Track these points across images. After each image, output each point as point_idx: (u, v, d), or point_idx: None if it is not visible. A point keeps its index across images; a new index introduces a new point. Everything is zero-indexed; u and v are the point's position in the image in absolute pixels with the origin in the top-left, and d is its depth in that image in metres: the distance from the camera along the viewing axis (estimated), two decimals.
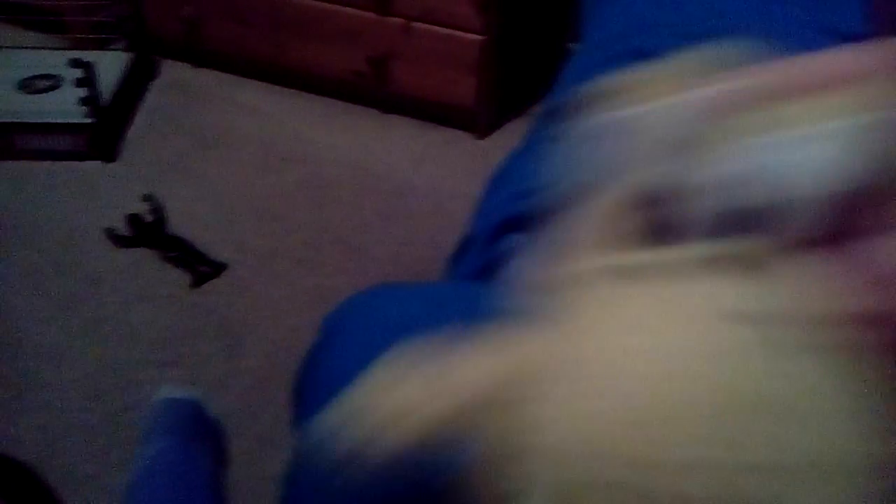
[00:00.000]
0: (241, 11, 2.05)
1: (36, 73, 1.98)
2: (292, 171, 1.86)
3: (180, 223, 1.68)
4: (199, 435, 1.03)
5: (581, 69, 0.76)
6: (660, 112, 0.26)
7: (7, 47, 2.09)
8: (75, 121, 1.83)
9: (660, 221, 0.25)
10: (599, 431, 0.21)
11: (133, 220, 1.63)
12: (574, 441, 0.21)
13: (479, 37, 1.87)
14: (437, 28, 1.89)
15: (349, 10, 1.94)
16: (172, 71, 2.21)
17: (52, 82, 1.95)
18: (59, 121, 1.83)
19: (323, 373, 0.48)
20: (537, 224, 0.58)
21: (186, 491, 0.94)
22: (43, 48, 2.11)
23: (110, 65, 2.00)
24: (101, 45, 2.13)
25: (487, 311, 0.45)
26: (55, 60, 2.01)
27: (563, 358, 0.24)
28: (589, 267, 0.26)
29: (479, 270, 0.57)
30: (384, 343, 0.47)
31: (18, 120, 1.82)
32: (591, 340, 0.24)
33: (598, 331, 0.24)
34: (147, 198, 1.69)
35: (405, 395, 0.25)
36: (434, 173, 1.90)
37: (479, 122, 2.03)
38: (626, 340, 0.23)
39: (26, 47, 2.10)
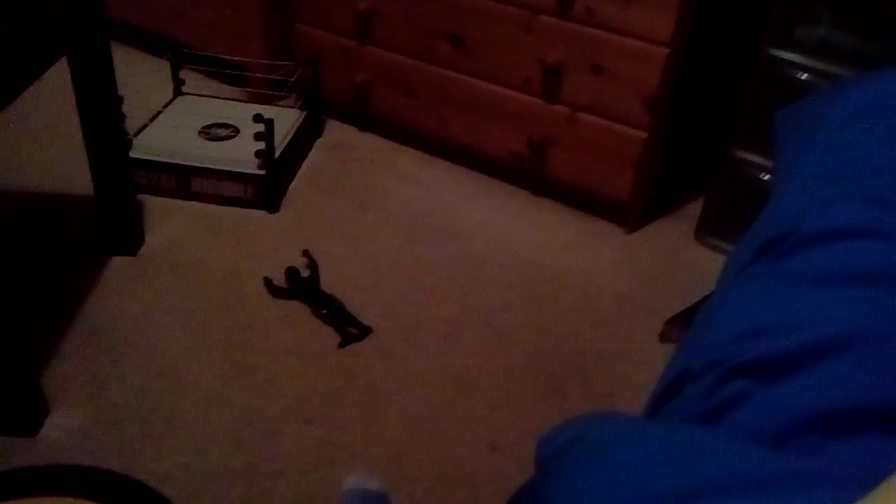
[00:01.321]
0: (411, 83, 2.14)
1: (216, 122, 2.11)
2: (443, 243, 1.90)
3: (332, 281, 1.73)
4: None
5: (804, 200, 0.74)
6: None
7: (192, 94, 2.25)
8: (247, 171, 1.93)
9: None
10: None
11: (290, 273, 1.70)
12: None
13: (642, 133, 1.87)
14: (601, 120, 1.91)
15: (516, 93, 1.99)
16: (338, 132, 2.31)
17: (230, 132, 2.08)
18: (232, 169, 1.94)
19: None
20: (768, 372, 0.56)
21: None
22: (224, 99, 2.25)
23: (283, 121, 2.12)
24: (277, 101, 2.27)
25: (747, 472, 0.44)
26: (235, 112, 2.15)
27: None
28: None
29: (701, 414, 0.55)
30: (624, 491, 0.46)
31: (197, 164, 1.94)
32: None
33: None
34: (304, 253, 1.76)
35: None
36: (580, 262, 1.89)
37: (629, 216, 2.02)
38: None
39: (209, 96, 2.26)
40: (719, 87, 2.18)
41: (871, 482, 0.41)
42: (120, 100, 1.67)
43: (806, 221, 0.72)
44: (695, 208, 2.09)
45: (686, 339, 0.68)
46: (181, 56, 2.22)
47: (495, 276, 1.82)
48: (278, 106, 2.24)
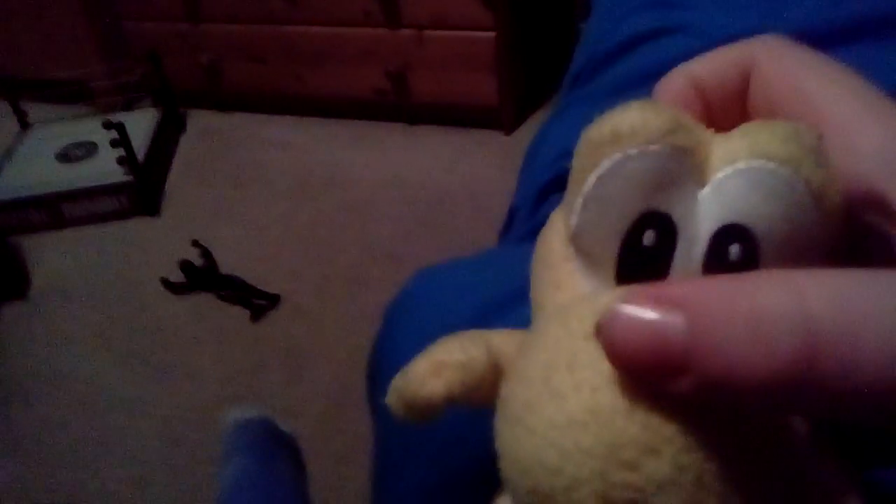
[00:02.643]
0: (256, 50, 2.09)
1: (71, 143, 2.04)
2: (330, 195, 1.88)
3: (231, 263, 1.70)
4: (277, 450, 1.05)
5: (601, 26, 0.76)
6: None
7: (39, 123, 2.15)
8: (115, 181, 1.87)
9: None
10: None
11: (185, 266, 1.66)
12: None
13: (490, 33, 1.87)
14: (448, 32, 1.90)
15: (360, 29, 1.96)
16: (200, 119, 2.25)
17: (87, 149, 2.01)
18: (100, 184, 1.88)
19: (387, 358, 0.48)
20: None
21: (274, 502, 0.96)
22: (74, 118, 2.17)
23: (140, 123, 2.05)
24: (129, 106, 2.19)
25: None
26: (87, 128, 2.07)
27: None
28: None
29: (526, 236, 0.56)
30: (442, 315, 0.47)
31: (62, 189, 1.87)
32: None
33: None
34: (195, 243, 1.73)
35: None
36: (468, 175, 1.90)
37: (504, 118, 2.03)
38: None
39: (58, 120, 2.17)
40: None
41: None
42: None
43: (603, 42, 0.73)
44: None
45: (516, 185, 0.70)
46: (15, 87, 2.12)
47: (389, 211, 1.82)
48: (132, 110, 2.17)
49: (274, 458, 1.02)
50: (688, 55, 0.66)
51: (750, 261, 0.21)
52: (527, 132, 2.03)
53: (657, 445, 0.18)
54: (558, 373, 0.20)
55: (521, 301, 0.43)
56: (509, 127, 2.04)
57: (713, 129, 0.23)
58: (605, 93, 0.65)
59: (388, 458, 0.50)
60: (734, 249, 0.21)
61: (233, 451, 1.00)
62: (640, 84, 0.66)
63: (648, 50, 0.67)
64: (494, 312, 0.42)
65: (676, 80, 0.25)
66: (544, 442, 0.19)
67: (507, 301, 0.42)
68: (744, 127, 0.22)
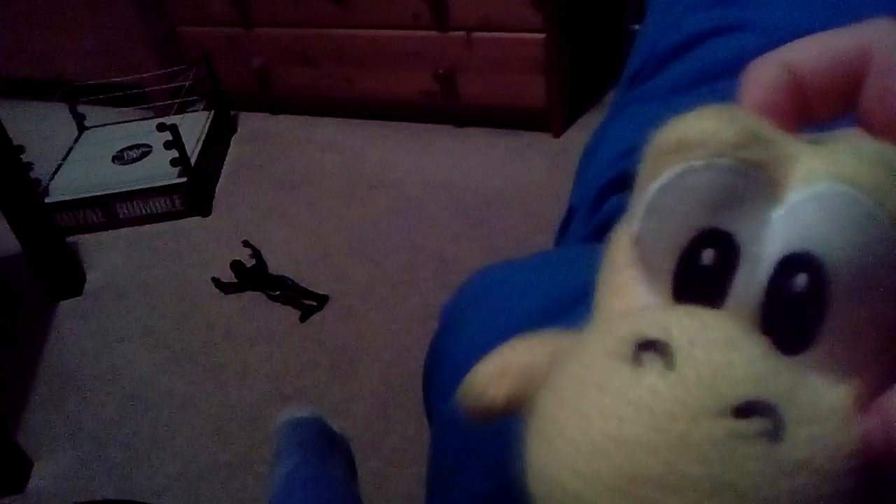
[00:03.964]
0: (305, 53, 2.11)
1: (126, 145, 2.08)
2: (379, 197, 1.89)
3: (280, 263, 1.72)
4: (329, 450, 1.05)
5: (658, 25, 0.74)
6: None
7: (96, 126, 2.20)
8: (169, 182, 1.91)
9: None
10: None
11: (236, 266, 1.68)
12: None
13: (540, 35, 1.86)
14: (497, 34, 1.90)
15: (408, 32, 1.97)
16: (251, 122, 2.28)
17: (142, 151, 2.05)
18: (154, 185, 1.91)
19: (446, 359, 0.48)
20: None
21: (326, 502, 0.96)
22: (129, 121, 2.21)
23: (193, 125, 2.08)
24: (182, 109, 2.23)
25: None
26: (142, 130, 2.11)
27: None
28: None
29: (587, 237, 0.55)
30: (502, 317, 0.46)
31: (117, 190, 1.91)
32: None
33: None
34: (245, 244, 1.75)
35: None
36: (517, 178, 1.89)
37: (553, 120, 2.02)
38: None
39: (114, 123, 2.21)
40: None
41: None
42: (20, 149, 1.64)
43: (662, 41, 0.72)
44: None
45: (573, 185, 0.69)
46: (73, 91, 2.18)
47: (437, 212, 1.81)
48: (186, 113, 2.21)
49: (326, 458, 1.03)
50: (751, 53, 0.63)
51: (817, 294, 0.19)
52: (576, 134, 2.01)
53: (680, 485, 0.18)
54: (588, 393, 0.19)
55: (582, 302, 0.42)
56: (558, 129, 2.03)
57: (799, 137, 0.21)
58: (665, 91, 0.64)
59: (442, 464, 0.50)
60: (800, 280, 0.19)
61: (284, 451, 1.00)
62: (702, 82, 0.64)
63: (709, 48, 0.66)
64: (555, 313, 0.41)
65: (769, 71, 0.22)
66: (567, 465, 0.19)
67: (568, 302, 0.41)
68: (830, 143, 0.21)
